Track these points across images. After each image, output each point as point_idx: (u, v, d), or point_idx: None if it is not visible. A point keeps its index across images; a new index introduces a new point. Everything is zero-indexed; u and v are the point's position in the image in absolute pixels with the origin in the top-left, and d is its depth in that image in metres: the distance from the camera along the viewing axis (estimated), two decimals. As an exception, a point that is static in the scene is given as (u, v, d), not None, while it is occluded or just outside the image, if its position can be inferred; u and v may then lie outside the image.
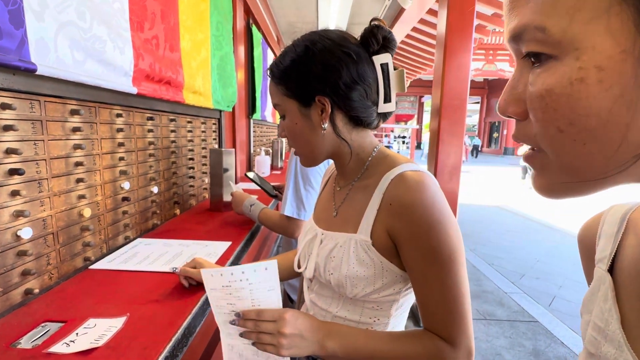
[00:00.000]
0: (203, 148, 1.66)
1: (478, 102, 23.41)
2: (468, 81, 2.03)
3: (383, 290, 0.54)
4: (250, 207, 1.17)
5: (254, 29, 2.55)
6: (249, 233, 1.16)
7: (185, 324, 0.59)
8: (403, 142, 13.57)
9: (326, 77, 0.54)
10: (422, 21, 3.60)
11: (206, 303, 0.71)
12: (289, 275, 0.78)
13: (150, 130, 1.14)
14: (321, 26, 3.77)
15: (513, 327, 2.35)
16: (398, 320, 0.60)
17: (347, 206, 0.61)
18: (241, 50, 2.28)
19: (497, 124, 21.30)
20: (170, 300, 0.68)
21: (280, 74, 0.57)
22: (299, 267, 0.66)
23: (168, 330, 0.56)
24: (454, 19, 1.99)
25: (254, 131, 2.84)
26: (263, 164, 2.51)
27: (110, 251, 0.92)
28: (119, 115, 0.95)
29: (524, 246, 4.27)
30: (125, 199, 0.99)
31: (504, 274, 3.32)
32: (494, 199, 7.33)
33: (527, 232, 4.93)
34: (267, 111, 3.22)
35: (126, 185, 0.99)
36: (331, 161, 0.72)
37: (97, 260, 0.85)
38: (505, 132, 19.35)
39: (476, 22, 3.36)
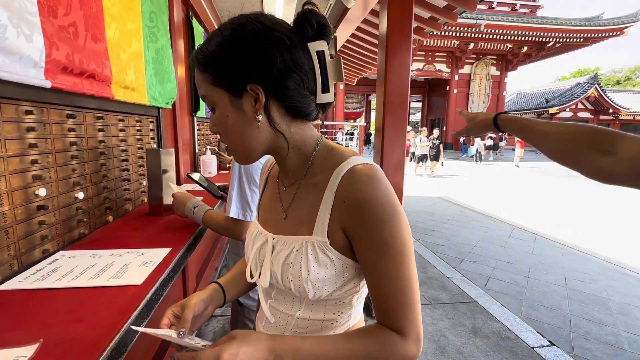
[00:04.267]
0: (139, 148, 1.53)
1: (420, 101, 24.82)
2: (409, 80, 2.13)
3: (345, 286, 0.54)
4: (193, 210, 1.11)
5: (195, 21, 2.41)
6: (192, 237, 1.10)
7: (112, 344, 0.53)
8: (351, 139, 13.97)
9: (258, 63, 0.49)
10: (366, 21, 3.71)
11: (140, 317, 0.65)
12: (248, 288, 0.73)
13: (71, 130, 1.02)
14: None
15: (455, 309, 2.54)
16: (358, 309, 0.60)
17: (297, 207, 0.57)
18: (180, 43, 2.15)
19: (437, 120, 22.79)
20: (95, 318, 0.61)
21: (205, 61, 0.51)
22: (251, 276, 0.62)
23: (90, 354, 0.50)
24: (394, 20, 2.07)
25: (198, 129, 2.70)
26: (209, 164, 2.40)
27: (24, 268, 0.81)
28: (28, 112, 0.83)
29: (462, 233, 4.63)
30: (41, 207, 0.87)
31: (446, 260, 3.57)
32: (435, 191, 7.84)
33: (464, 220, 5.35)
34: (212, 108, 3.08)
35: (42, 191, 0.87)
36: (268, 157, 0.69)
37: (4, 280, 0.74)
38: (445, 128, 20.76)
39: (415, 24, 3.55)
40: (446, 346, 2.08)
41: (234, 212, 0.99)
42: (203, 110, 2.64)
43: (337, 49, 4.74)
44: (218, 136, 3.60)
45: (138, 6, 1.41)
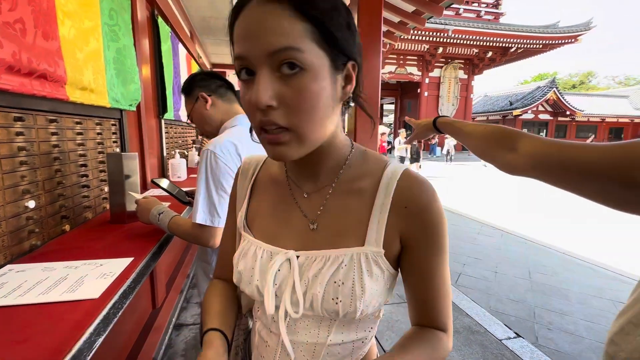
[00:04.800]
0: (100, 153, 1.45)
1: (393, 103, 25.37)
2: (379, 82, 2.17)
3: (387, 297, 0.51)
4: (158, 216, 1.06)
5: (161, 21, 2.33)
6: (157, 245, 1.05)
7: (61, 364, 0.50)
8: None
9: (356, 37, 0.44)
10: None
11: (95, 334, 0.61)
12: (235, 319, 0.61)
13: (19, 134, 0.94)
14: (238, 23, 3.65)
15: (428, 307, 2.60)
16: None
17: (333, 216, 0.49)
18: (145, 43, 2.06)
19: (410, 122, 23.30)
20: (43, 338, 0.56)
21: (314, 5, 0.38)
22: (256, 309, 0.53)
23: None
24: (364, 23, 2.10)
25: (166, 132, 2.60)
26: (178, 168, 2.32)
27: (-36, 285, 0.74)
28: (-32, 116, 0.77)
29: (435, 232, 4.76)
30: (-16, 218, 0.80)
31: (420, 259, 3.65)
32: (409, 191, 8.02)
33: (437, 219, 5.51)
34: (182, 111, 2.98)
35: (-15, 201, 0.80)
36: (246, 157, 0.63)
37: (-61, 299, 0.67)
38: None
39: (385, 28, 3.62)
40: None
41: (200, 217, 0.95)
42: (171, 113, 2.56)
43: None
44: (189, 139, 3.45)
45: (96, 3, 1.34)
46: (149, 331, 1.75)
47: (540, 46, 18.89)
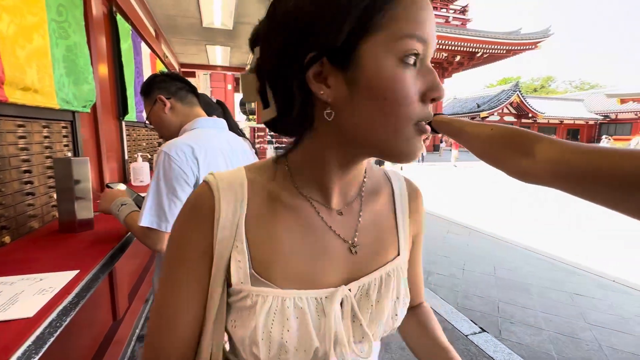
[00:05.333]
0: (48, 157, 1.35)
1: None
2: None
3: None
4: (120, 207, 1.03)
5: (120, 18, 2.22)
6: (108, 255, 0.99)
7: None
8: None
9: None
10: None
11: (26, 357, 0.56)
12: None
13: (-54, 138, 0.86)
14: (205, 22, 3.55)
15: (398, 306, 2.64)
16: None
17: (368, 232, 0.44)
18: (101, 41, 1.96)
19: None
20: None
21: None
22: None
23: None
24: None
25: (128, 135, 2.49)
26: (140, 172, 2.22)
27: None
28: None
29: (407, 231, 4.86)
30: None
31: (391, 258, 3.71)
32: (383, 192, 8.15)
33: (409, 218, 5.63)
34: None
35: None
36: (202, 189, 0.41)
37: None
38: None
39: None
40: (389, 343, 2.15)
41: (146, 220, 0.91)
42: (133, 114, 2.45)
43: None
44: (154, 142, 3.30)
45: (41, -2, 1.25)
46: (108, 345, 1.66)
47: (504, 51, 19.87)
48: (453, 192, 8.52)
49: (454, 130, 0.69)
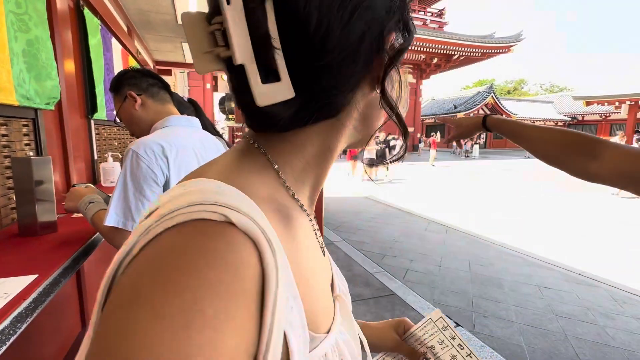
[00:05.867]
0: (6, 157, 1.28)
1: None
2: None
3: None
4: (88, 205, 0.99)
5: (87, 12, 2.13)
6: (71, 259, 0.95)
7: None
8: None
9: None
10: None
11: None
12: None
13: None
14: (180, 19, 3.47)
15: (377, 303, 2.68)
16: None
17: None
18: (67, 35, 1.88)
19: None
20: None
21: None
22: None
23: None
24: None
25: (97, 134, 2.39)
26: (111, 172, 2.14)
27: None
28: None
29: (385, 230, 4.94)
30: None
31: (370, 256, 3.75)
32: (361, 191, 8.24)
33: (387, 217, 5.72)
34: (117, 110, 2.76)
35: None
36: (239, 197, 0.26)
37: None
38: (370, 131, 22.00)
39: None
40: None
41: (111, 219, 0.88)
42: (103, 112, 2.35)
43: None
44: (127, 141, 3.20)
45: (-2, -12, 1.19)
46: (76, 353, 1.59)
47: (479, 54, 20.52)
48: (431, 191, 8.71)
49: (511, 131, 0.73)
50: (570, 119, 30.63)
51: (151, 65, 5.11)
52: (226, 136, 6.69)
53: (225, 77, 3.80)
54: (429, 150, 16.32)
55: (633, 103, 12.66)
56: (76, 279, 1.75)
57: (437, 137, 16.41)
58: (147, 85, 1.07)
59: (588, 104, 14.38)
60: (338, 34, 0.25)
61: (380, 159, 8.84)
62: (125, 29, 3.39)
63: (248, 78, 0.23)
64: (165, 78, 5.78)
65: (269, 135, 0.30)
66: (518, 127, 0.73)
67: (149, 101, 1.07)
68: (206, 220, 0.21)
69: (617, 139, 9.06)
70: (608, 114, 26.73)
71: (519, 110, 28.55)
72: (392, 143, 9.18)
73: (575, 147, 0.61)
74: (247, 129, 0.32)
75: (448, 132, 0.88)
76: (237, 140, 5.99)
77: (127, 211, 0.88)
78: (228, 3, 0.22)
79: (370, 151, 8.52)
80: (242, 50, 0.23)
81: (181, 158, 0.96)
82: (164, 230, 0.21)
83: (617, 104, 13.22)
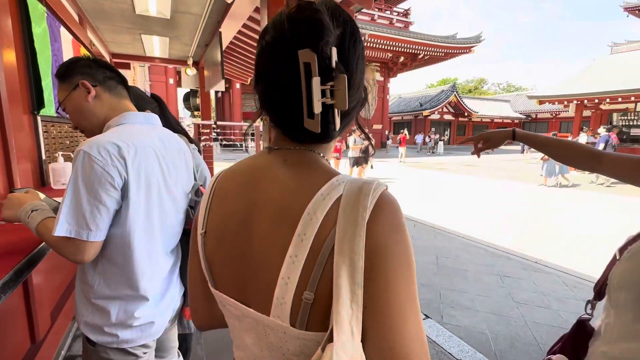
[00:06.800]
0: None
1: (317, 102, 25.83)
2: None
3: None
4: (30, 213, 0.87)
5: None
6: (12, 272, 0.85)
7: None
8: (252, 139, 13.76)
9: None
10: (253, 19, 3.63)
11: None
12: None
13: None
14: (139, 9, 3.27)
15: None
16: None
17: None
18: (6, 23, 1.69)
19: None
20: None
21: None
22: None
23: None
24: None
25: (45, 131, 2.19)
26: (62, 174, 1.97)
27: None
28: None
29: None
30: None
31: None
32: (334, 188, 8.26)
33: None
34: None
35: None
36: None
37: None
38: (340, 128, 22.17)
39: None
40: None
41: (62, 228, 0.78)
42: (51, 108, 2.16)
43: (226, 46, 4.53)
44: (81, 140, 2.97)
45: None
46: (25, 372, 1.45)
47: (443, 54, 21.29)
48: (399, 187, 8.94)
49: (536, 142, 0.99)
50: (525, 116, 32.71)
51: (107, 57, 4.78)
52: (192, 133, 6.42)
53: (189, 72, 3.61)
54: (398, 147, 16.74)
55: (579, 102, 13.74)
56: (23, 291, 1.60)
57: (406, 133, 16.87)
58: (103, 77, 0.97)
59: (541, 102, 15.42)
60: (358, 87, 0.46)
61: (364, 156, 8.83)
62: (76, 17, 3.14)
63: (334, 116, 0.41)
64: (124, 72, 5.46)
65: (318, 144, 0.48)
66: (540, 139, 1.00)
67: (105, 94, 0.97)
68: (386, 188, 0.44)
69: (585, 134, 9.90)
70: (558, 112, 28.85)
71: (479, 108, 30.03)
72: (366, 143, 9.30)
73: (585, 154, 0.91)
74: (282, 140, 0.49)
75: (475, 146, 1.09)
76: (203, 137, 5.67)
77: (80, 219, 0.79)
78: (339, 74, 0.40)
79: (355, 149, 8.60)
80: (342, 104, 0.40)
81: (140, 158, 0.88)
82: (380, 194, 0.42)
83: (565, 102, 14.28)
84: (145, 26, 3.74)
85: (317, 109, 0.39)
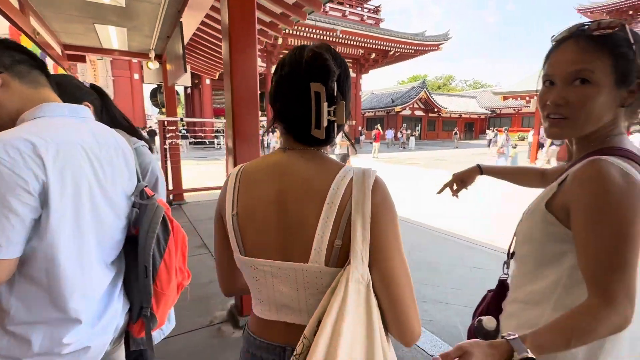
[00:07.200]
0: None
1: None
2: (257, 73, 2.03)
3: None
4: None
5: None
6: None
7: None
8: (223, 136, 13.40)
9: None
10: (217, 9, 3.45)
11: None
12: None
13: None
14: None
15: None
16: None
17: None
18: None
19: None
20: None
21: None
22: None
23: None
24: (234, 9, 1.93)
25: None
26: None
27: None
28: None
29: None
30: None
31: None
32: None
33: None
34: None
35: None
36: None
37: None
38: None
39: (268, 19, 3.51)
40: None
41: None
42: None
43: (190, 38, 4.29)
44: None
45: None
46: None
47: (413, 51, 21.69)
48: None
49: (499, 173, 1.16)
50: (490, 112, 34.13)
51: (58, 49, 4.40)
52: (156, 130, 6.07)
53: (151, 65, 3.37)
54: (372, 143, 16.90)
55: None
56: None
57: (379, 129, 17.09)
58: (11, 62, 0.81)
59: (505, 98, 16.08)
60: (348, 107, 0.63)
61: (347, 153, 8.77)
62: (15, 3, 2.83)
63: (334, 128, 0.60)
64: (80, 65, 5.02)
65: (321, 146, 0.66)
66: (499, 169, 1.17)
67: (15, 83, 0.81)
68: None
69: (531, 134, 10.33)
70: (520, 108, 30.34)
71: (448, 104, 30.98)
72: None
73: (534, 174, 1.06)
74: (293, 143, 0.65)
75: (451, 189, 1.23)
76: (169, 135, 5.36)
77: None
78: (339, 100, 0.60)
79: (343, 145, 8.69)
80: (341, 120, 0.60)
81: (64, 157, 0.74)
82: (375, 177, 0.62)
83: (527, 98, 14.98)
84: (98, 15, 3.45)
85: (324, 123, 0.57)
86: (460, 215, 5.47)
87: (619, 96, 0.64)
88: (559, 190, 0.69)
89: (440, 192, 1.21)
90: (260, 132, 2.17)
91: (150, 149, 1.48)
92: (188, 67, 5.54)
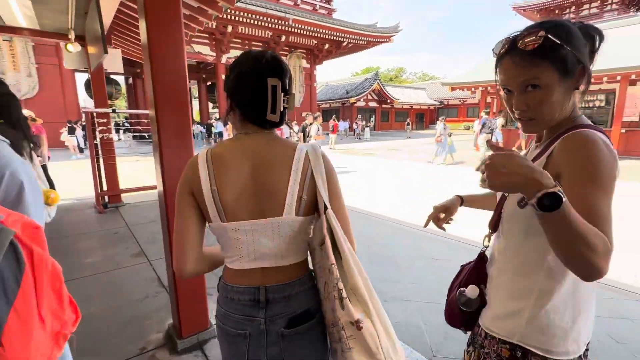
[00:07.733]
0: None
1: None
2: (184, 57, 1.70)
3: None
4: None
5: None
6: None
7: None
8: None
9: None
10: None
11: None
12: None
13: None
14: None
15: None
16: None
17: None
18: None
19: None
20: None
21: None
22: None
23: None
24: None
25: None
26: None
27: None
28: None
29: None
30: None
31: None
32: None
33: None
34: None
35: None
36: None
37: None
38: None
39: (195, 4, 3.15)
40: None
41: None
42: None
43: (114, 16, 3.73)
44: None
45: None
46: None
47: (365, 42, 21.84)
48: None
49: (475, 201, 1.23)
50: (438, 103, 35.83)
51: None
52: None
53: (71, 48, 2.80)
54: (329, 134, 16.81)
55: (484, 89, 15.31)
56: None
57: (335, 119, 17.05)
58: None
59: (453, 89, 16.82)
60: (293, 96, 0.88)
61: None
62: None
63: (285, 113, 0.85)
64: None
65: (274, 129, 0.87)
66: (481, 196, 1.19)
67: None
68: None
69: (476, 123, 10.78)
70: (465, 99, 32.19)
71: (400, 95, 31.92)
72: (307, 129, 9.26)
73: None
74: (251, 127, 0.84)
75: (435, 221, 1.25)
76: (100, 129, 4.70)
77: None
78: (291, 92, 0.85)
79: (318, 139, 8.46)
80: (291, 107, 0.86)
81: None
82: (321, 149, 0.93)
83: (472, 89, 15.80)
84: (-12, -17, 2.81)
85: (279, 109, 0.81)
86: (422, 204, 5.52)
87: (570, 84, 0.72)
88: (549, 161, 0.74)
89: (425, 225, 1.26)
90: (194, 126, 1.86)
91: (33, 147, 1.13)
92: (118, 52, 4.89)
